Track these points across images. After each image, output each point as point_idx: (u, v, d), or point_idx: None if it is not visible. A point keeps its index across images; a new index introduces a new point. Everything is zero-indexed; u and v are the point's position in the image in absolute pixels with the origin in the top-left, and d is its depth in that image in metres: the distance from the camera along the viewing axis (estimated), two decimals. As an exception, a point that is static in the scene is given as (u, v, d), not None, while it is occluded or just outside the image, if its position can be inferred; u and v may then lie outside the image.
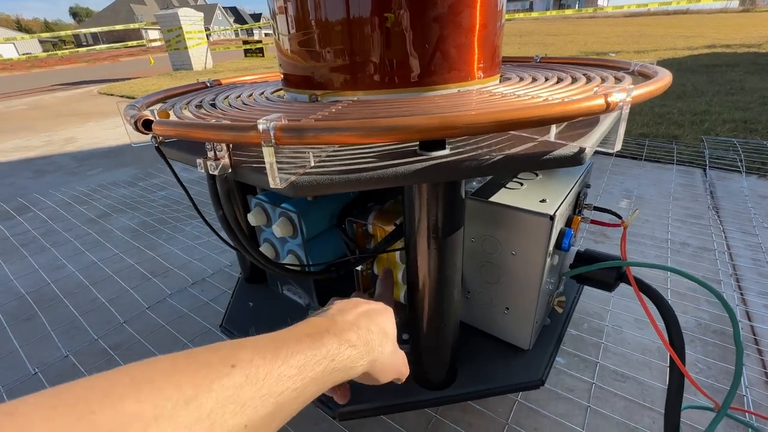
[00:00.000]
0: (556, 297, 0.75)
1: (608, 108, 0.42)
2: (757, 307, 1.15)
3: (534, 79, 0.71)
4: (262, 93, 0.77)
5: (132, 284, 1.42)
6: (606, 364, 0.99)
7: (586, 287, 0.98)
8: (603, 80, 0.65)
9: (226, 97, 0.76)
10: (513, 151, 0.47)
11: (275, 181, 0.41)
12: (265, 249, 0.87)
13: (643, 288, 0.74)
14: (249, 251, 0.67)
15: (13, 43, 44.71)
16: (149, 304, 1.31)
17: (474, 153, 0.47)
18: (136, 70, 11.39)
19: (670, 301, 0.65)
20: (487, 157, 0.46)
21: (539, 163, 0.46)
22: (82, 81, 9.69)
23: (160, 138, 0.55)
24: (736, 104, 3.23)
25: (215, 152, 0.48)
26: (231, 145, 0.49)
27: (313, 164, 0.47)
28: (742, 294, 1.22)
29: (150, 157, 2.97)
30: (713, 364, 0.98)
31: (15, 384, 1.04)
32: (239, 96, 0.75)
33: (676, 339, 0.70)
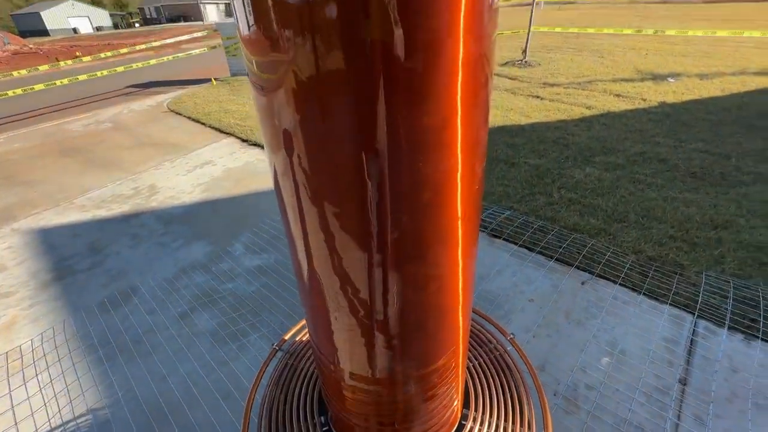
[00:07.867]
0: None
1: None
2: None
3: None
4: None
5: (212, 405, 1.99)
6: None
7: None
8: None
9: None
10: None
11: None
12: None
13: None
14: None
15: (88, 17, 49.86)
16: (225, 434, 1.86)
17: None
18: (199, 67, 12.21)
19: None
20: None
21: None
22: (150, 82, 10.62)
23: None
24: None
25: None
26: None
27: None
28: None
29: (218, 225, 3.55)
30: None
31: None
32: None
33: None
